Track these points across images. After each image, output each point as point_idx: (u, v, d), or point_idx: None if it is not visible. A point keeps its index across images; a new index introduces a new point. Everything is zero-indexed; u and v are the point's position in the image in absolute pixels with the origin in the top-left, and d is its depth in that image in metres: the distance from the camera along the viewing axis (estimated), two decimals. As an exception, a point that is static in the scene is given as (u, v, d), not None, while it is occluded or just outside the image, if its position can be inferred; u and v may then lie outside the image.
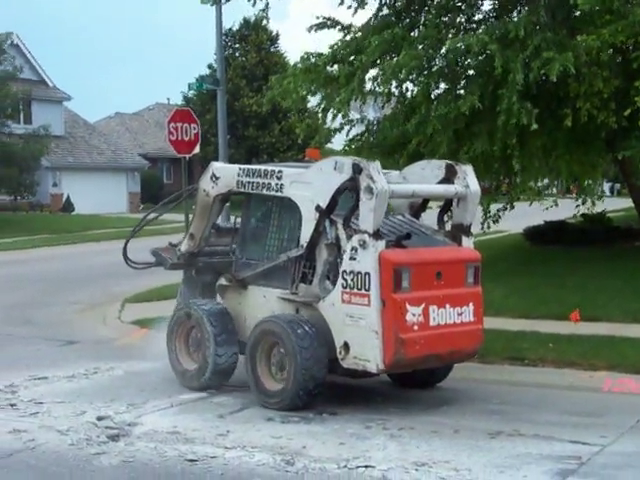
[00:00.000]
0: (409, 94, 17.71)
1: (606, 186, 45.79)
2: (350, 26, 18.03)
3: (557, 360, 11.52)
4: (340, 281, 9.40)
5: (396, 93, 17.83)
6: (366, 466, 7.67)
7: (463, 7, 17.84)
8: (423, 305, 9.28)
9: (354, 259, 9.29)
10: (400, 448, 8.22)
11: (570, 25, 15.83)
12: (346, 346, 9.35)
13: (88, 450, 8.24)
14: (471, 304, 9.75)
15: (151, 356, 11.64)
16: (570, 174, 21.55)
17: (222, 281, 11.01)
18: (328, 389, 9.77)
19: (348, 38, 17.80)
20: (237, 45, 55.39)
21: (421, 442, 8.41)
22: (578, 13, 15.99)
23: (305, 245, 9.86)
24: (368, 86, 17.35)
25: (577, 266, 17.41)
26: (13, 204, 45.11)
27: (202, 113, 43.99)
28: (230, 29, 53.63)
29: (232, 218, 12.11)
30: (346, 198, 9.69)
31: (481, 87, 15.49)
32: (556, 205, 22.86)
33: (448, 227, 10.43)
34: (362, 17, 19.28)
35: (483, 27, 17.03)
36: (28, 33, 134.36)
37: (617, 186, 61.82)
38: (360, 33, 17.63)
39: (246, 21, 55.07)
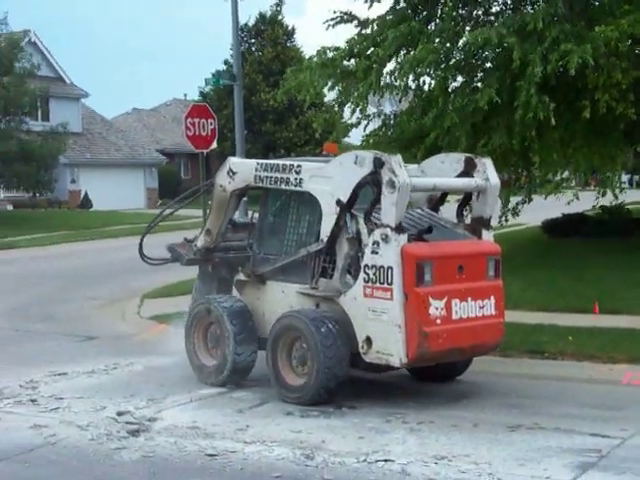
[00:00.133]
0: (426, 87, 17.68)
1: (625, 178, 45.48)
2: (367, 20, 18.00)
3: (576, 353, 11.48)
4: (362, 275, 9.39)
5: (413, 87, 17.77)
6: (385, 460, 7.66)
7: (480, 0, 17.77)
8: (445, 299, 9.27)
9: (376, 253, 9.27)
10: (419, 442, 8.22)
11: (588, 16, 15.73)
12: (368, 340, 9.34)
13: (108, 445, 8.28)
14: (492, 297, 9.75)
15: (170, 351, 11.65)
16: (589, 166, 21.43)
17: (240, 276, 11.02)
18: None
19: (365, 32, 17.76)
20: (253, 40, 55.28)
21: (440, 436, 8.40)
22: (596, 4, 15.90)
23: (326, 239, 9.84)
24: (385, 80, 17.30)
25: (595, 258, 17.33)
26: (32, 201, 45.25)
27: (219, 108, 43.94)
28: (246, 24, 53.52)
29: (249, 213, 12.09)
30: (364, 192, 9.68)
31: (499, 80, 15.43)
32: (577, 199, 22.70)
33: (467, 220, 10.41)
34: (378, 10, 19.22)
35: (500, 20, 16.94)
36: (45, 31, 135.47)
37: (636, 178, 61.50)
38: (376, 27, 17.59)
39: (262, 16, 55.06)
